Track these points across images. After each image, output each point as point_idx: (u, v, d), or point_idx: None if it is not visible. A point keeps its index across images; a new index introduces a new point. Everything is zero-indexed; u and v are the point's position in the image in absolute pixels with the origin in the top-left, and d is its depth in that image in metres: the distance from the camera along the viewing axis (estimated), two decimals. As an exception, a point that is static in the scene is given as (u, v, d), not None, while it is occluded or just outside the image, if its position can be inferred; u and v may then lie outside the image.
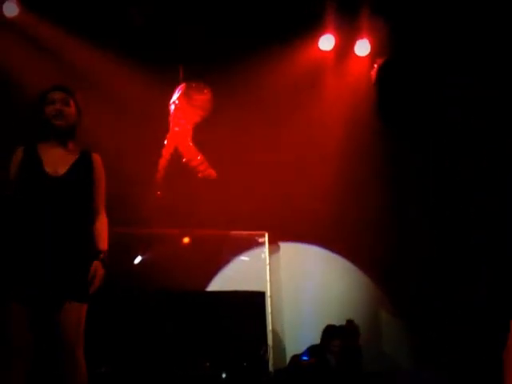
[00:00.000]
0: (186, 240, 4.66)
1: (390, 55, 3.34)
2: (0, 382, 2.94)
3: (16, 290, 2.94)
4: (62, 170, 3.08)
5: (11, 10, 4.76)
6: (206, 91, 4.96)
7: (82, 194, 3.10)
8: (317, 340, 4.75)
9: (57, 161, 3.09)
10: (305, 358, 4.66)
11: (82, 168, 3.12)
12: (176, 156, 5.02)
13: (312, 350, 4.70)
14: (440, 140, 3.43)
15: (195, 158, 4.98)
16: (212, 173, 4.96)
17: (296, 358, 4.70)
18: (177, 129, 4.97)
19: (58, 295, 2.97)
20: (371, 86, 4.85)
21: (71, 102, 3.14)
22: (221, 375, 4.33)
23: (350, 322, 4.86)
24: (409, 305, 5.09)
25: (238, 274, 4.63)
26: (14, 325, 2.91)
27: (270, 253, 5.03)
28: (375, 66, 3.88)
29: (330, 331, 4.68)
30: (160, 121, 5.03)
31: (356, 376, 4.56)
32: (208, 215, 4.90)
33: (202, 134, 5.07)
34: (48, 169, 3.04)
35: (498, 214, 3.50)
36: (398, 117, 3.24)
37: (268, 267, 5.04)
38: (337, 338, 4.57)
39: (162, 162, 4.98)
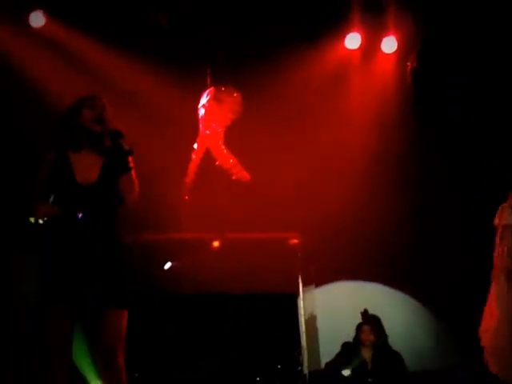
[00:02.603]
0: (217, 244, 4.66)
1: (421, 49, 3.28)
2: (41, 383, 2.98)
3: (56, 296, 2.97)
4: (93, 176, 3.11)
5: (38, 21, 4.79)
6: (235, 95, 4.95)
7: (116, 194, 3.12)
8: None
9: (88, 168, 3.12)
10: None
11: (113, 166, 3.15)
12: (206, 159, 5.01)
13: (345, 346, 4.67)
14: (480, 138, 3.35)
15: (228, 161, 4.97)
16: (246, 175, 4.95)
17: (330, 365, 4.67)
18: (208, 132, 4.97)
19: (97, 301, 2.99)
20: (405, 84, 4.80)
21: (108, 110, 3.20)
22: (255, 378, 4.32)
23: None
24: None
25: (270, 276, 4.61)
26: (53, 326, 2.94)
27: (302, 255, 5.01)
28: (409, 64, 3.82)
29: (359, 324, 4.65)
30: (188, 125, 5.03)
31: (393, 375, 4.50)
32: (238, 218, 4.90)
33: (231, 137, 5.06)
34: (79, 178, 3.07)
35: None
36: (437, 115, 3.19)
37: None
38: (367, 323, 4.55)
39: (192, 166, 4.98)
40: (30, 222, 2.96)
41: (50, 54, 4.82)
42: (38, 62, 4.78)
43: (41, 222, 2.94)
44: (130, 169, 3.09)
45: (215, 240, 4.67)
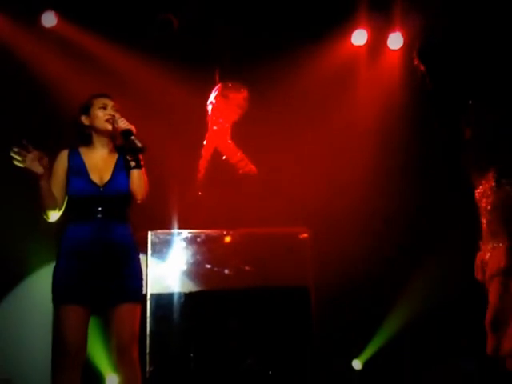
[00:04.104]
0: (228, 239, 4.70)
1: (421, 41, 3.32)
2: (57, 382, 3.04)
3: (70, 292, 3.02)
4: (106, 175, 3.17)
5: (49, 21, 4.87)
6: (242, 90, 4.98)
7: (128, 194, 3.18)
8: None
9: (101, 167, 3.19)
10: None
11: (125, 164, 3.21)
12: (216, 156, 5.06)
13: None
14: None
15: (235, 155, 5.00)
16: (253, 168, 4.98)
17: None
18: (215, 128, 5.01)
19: (111, 297, 3.04)
20: (411, 80, 4.81)
21: (119, 109, 3.26)
22: (267, 372, 4.36)
23: None
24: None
25: (282, 270, 4.65)
26: (69, 326, 2.99)
27: (312, 248, 5.03)
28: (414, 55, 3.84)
29: None
30: (198, 122, 5.08)
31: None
32: (248, 214, 4.93)
33: (240, 132, 5.10)
34: (93, 177, 3.13)
35: None
36: (455, 103, 3.20)
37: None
38: None
39: (203, 162, 5.02)
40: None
41: (63, 53, 4.88)
42: (51, 62, 4.84)
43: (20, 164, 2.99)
44: (140, 166, 3.15)
45: (226, 235, 4.71)
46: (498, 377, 3.28)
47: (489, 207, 3.12)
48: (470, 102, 3.26)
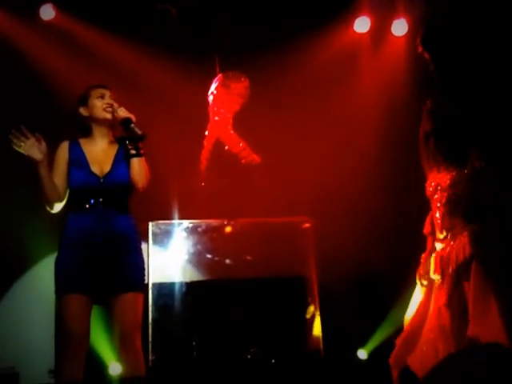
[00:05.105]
0: (229, 229, 4.71)
1: (425, 27, 3.26)
2: (60, 372, 3.07)
3: (72, 281, 3.05)
4: (106, 166, 3.18)
5: (48, 14, 4.90)
6: (243, 79, 4.97)
7: (129, 185, 3.19)
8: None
9: (101, 158, 3.20)
10: None
11: (125, 154, 3.22)
12: (218, 146, 5.05)
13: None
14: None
15: (237, 145, 4.99)
16: (255, 158, 4.97)
17: None
18: (217, 118, 5.00)
19: (113, 286, 3.07)
20: (416, 67, 4.76)
21: (117, 99, 3.27)
22: (270, 361, 4.37)
23: None
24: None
25: (284, 259, 4.65)
26: (72, 315, 3.02)
27: (314, 238, 5.03)
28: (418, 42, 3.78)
29: None
30: (200, 112, 5.07)
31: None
32: (250, 204, 4.93)
33: (241, 123, 5.09)
34: (94, 168, 3.14)
35: None
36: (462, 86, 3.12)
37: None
38: None
39: (205, 153, 5.01)
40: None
41: (61, 46, 4.90)
42: (49, 55, 4.87)
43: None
44: (141, 155, 3.15)
45: (228, 225, 4.71)
46: None
47: (444, 200, 3.07)
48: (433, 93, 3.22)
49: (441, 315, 3.02)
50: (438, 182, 3.10)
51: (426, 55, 3.20)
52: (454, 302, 2.98)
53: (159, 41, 4.96)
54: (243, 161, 4.97)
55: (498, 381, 2.45)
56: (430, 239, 3.28)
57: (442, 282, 3.06)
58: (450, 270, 3.01)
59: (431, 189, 3.14)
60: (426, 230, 3.30)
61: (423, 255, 3.28)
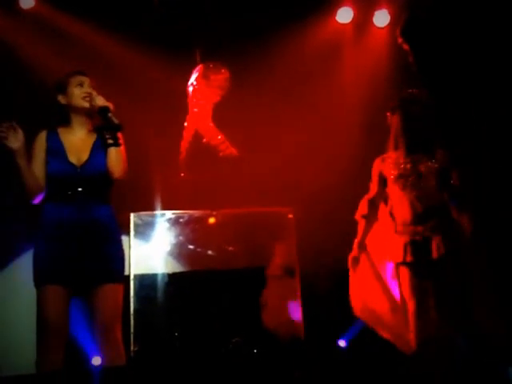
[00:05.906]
0: (213, 220, 4.70)
1: (405, 18, 3.26)
2: (40, 363, 3.05)
3: (50, 272, 3.02)
4: (84, 156, 3.15)
5: (27, 2, 4.87)
6: (223, 70, 4.96)
7: (107, 175, 3.17)
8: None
9: (79, 147, 3.17)
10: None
11: (103, 143, 3.20)
12: (197, 137, 5.04)
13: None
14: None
15: (215, 138, 4.99)
16: (233, 151, 4.97)
17: None
18: (196, 110, 4.98)
19: (92, 278, 3.05)
20: (398, 58, 4.77)
21: (95, 87, 3.24)
22: (252, 351, 4.39)
23: None
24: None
25: (267, 249, 4.66)
26: (50, 306, 3.00)
27: (297, 228, 5.04)
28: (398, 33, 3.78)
29: None
30: (179, 103, 5.05)
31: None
32: (233, 194, 4.93)
33: (220, 115, 5.08)
34: (72, 158, 3.11)
35: None
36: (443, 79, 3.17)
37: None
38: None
39: (184, 144, 5.01)
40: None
41: (41, 34, 4.85)
42: (29, 44, 4.82)
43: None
44: (118, 144, 3.12)
45: (211, 216, 4.71)
46: None
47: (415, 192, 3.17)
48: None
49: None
50: (403, 171, 3.19)
51: (406, 46, 3.22)
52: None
53: (140, 30, 4.93)
54: (221, 154, 4.96)
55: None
56: (363, 222, 3.62)
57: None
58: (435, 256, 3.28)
59: (399, 176, 3.23)
60: (362, 212, 3.45)
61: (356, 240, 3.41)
